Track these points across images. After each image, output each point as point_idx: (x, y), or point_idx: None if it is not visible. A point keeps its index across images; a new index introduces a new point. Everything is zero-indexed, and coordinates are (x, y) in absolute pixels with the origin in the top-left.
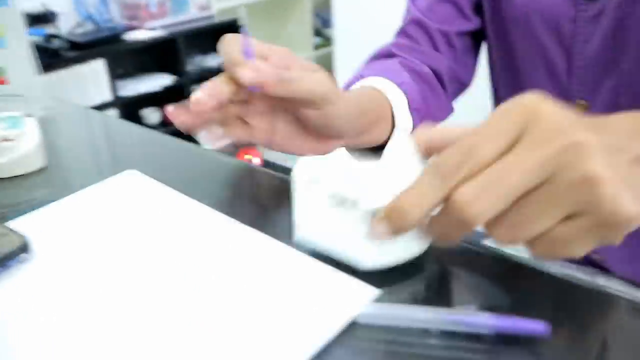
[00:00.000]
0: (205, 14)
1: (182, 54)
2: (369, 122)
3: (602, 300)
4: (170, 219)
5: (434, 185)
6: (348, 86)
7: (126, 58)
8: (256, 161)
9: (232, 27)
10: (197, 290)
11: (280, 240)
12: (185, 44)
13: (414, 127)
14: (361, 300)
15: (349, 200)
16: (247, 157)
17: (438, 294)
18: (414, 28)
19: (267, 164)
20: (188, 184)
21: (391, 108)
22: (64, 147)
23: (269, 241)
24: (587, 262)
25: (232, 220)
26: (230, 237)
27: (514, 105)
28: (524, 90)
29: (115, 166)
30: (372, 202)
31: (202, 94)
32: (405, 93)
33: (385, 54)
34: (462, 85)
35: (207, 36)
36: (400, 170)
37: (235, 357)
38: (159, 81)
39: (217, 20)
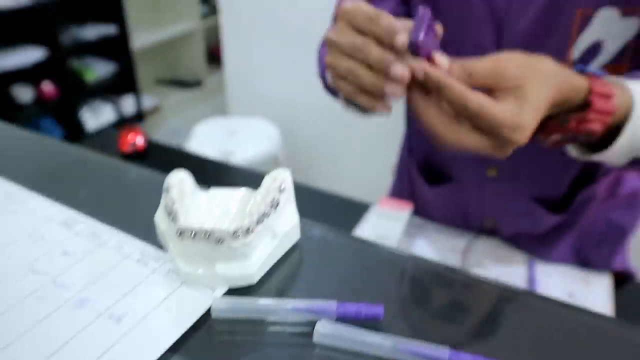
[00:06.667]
0: None
1: (54, 24)
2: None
3: (441, 275)
4: (15, 219)
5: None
6: None
7: None
8: (140, 141)
9: None
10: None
11: (148, 243)
12: (58, 13)
13: None
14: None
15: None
16: (130, 136)
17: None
18: None
19: (150, 144)
20: (42, 181)
21: None
22: None
23: (125, 239)
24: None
25: (83, 216)
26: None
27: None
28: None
29: None
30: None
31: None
32: None
33: None
34: None
35: (83, 3)
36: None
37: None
38: (30, 55)
39: None
